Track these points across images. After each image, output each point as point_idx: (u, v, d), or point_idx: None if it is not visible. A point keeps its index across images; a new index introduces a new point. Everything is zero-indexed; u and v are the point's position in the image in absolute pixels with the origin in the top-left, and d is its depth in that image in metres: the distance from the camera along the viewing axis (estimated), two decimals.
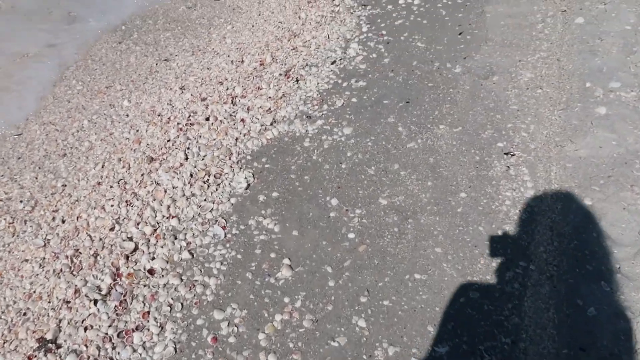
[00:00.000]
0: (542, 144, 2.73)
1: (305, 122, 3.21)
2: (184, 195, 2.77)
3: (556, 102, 2.98)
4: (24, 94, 3.75)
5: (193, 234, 2.56)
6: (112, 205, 2.75)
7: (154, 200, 2.75)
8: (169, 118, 3.34)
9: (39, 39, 4.43)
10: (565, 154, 2.60)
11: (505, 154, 2.73)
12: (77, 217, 2.71)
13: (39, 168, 3.09)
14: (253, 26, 4.33)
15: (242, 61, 3.87)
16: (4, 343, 2.14)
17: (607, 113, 2.76)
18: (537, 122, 2.89)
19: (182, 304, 2.24)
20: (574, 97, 2.95)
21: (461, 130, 2.94)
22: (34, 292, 2.33)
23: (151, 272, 2.39)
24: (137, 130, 3.28)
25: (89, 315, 2.20)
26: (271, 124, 3.22)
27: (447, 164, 2.74)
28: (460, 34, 3.86)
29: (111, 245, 2.52)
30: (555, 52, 3.42)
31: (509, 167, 2.65)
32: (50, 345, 2.09)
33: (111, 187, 2.87)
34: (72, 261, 2.46)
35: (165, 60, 4.01)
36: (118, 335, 2.13)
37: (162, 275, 2.37)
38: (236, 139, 3.12)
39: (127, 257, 2.46)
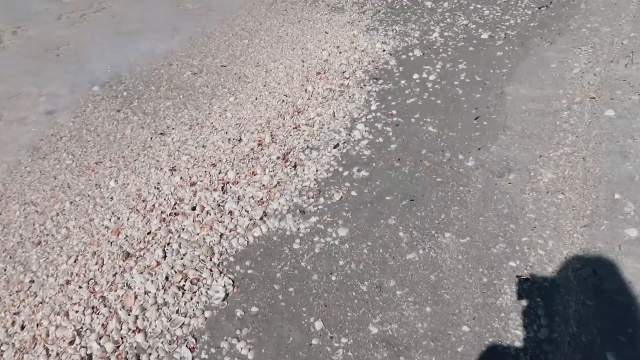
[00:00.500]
0: (560, 268, 2.46)
1: (298, 218, 3.04)
2: (155, 303, 2.60)
3: (579, 214, 2.72)
4: (13, 167, 3.72)
5: (158, 356, 2.36)
6: (76, 312, 2.59)
7: (122, 307, 2.58)
8: (153, 205, 3.22)
9: (38, 103, 4.47)
10: (587, 286, 2.32)
11: (517, 276, 2.47)
12: (38, 324, 2.56)
13: (10, 258, 2.99)
14: (257, 99, 4.25)
15: (240, 139, 3.77)
16: None
17: (639, 237, 2.48)
18: (556, 237, 2.63)
19: None
20: (600, 210, 2.69)
21: (469, 242, 2.70)
22: None
23: None
24: (119, 218, 3.17)
25: None
26: (261, 219, 3.06)
27: (450, 284, 2.50)
28: (476, 118, 3.68)
29: None
30: (581, 149, 3.18)
31: (521, 295, 2.38)
32: None
33: (80, 287, 2.73)
34: None
35: (161, 134, 3.95)
36: None
37: None
38: (221, 235, 2.96)
39: None
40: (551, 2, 5.24)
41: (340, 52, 4.82)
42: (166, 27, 5.76)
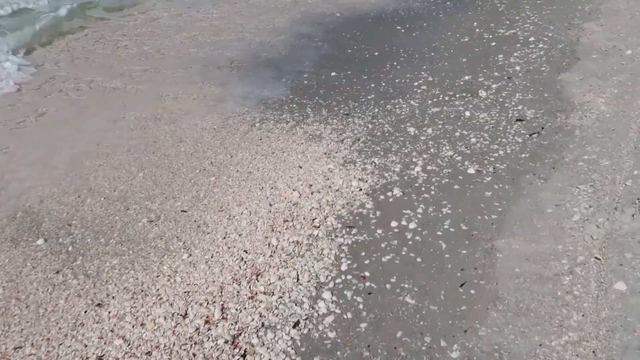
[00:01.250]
0: None
1: None
2: None
3: None
4: None
5: None
6: None
7: None
8: None
9: None
10: None
11: None
12: None
13: None
14: (212, 256, 3.87)
15: (186, 314, 3.32)
16: None
17: None
18: None
19: None
20: None
21: None
22: None
23: None
24: None
25: None
26: None
27: None
28: (462, 285, 3.23)
29: None
30: (590, 336, 2.68)
31: None
32: None
33: None
34: None
35: (98, 305, 3.53)
36: None
37: None
38: None
39: None
40: (543, 129, 5.01)
41: (312, 193, 4.51)
42: (132, 164, 5.53)
